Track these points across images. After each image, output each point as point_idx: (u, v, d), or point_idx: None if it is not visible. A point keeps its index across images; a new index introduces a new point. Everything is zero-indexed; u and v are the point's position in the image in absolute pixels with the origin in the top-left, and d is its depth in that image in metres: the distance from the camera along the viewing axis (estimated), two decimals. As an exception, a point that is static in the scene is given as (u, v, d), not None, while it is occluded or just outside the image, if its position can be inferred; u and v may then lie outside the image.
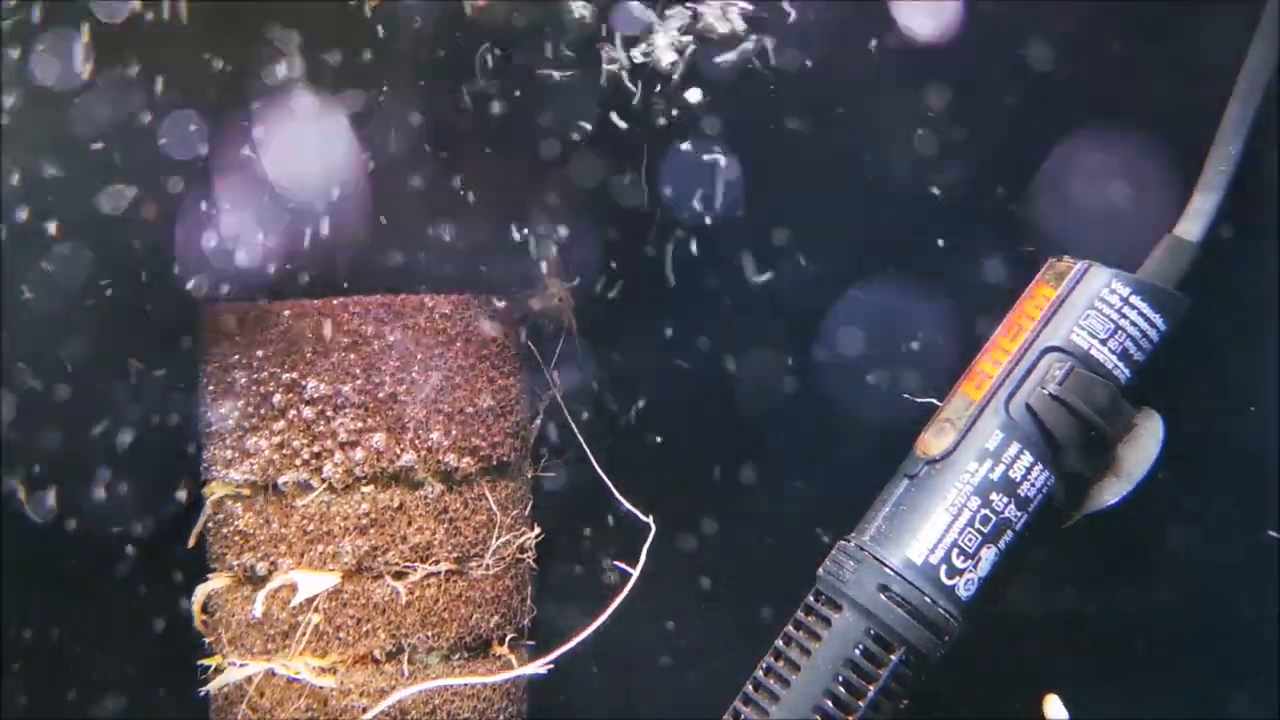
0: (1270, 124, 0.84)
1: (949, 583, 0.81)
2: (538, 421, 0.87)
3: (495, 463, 0.80)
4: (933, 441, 0.84)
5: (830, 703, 0.79)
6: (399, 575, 0.76)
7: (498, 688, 0.77)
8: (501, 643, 0.79)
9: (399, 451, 0.76)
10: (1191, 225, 0.84)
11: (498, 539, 0.78)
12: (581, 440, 0.87)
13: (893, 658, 0.80)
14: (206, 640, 0.79)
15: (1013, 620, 0.90)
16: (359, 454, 0.75)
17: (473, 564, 0.78)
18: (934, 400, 0.86)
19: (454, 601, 0.77)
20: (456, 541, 0.77)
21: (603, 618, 0.79)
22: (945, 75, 0.88)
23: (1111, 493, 0.84)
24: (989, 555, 0.82)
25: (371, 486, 0.76)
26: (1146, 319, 0.83)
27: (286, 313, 0.76)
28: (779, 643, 0.83)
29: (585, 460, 0.87)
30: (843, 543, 0.84)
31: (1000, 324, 0.85)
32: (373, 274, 0.81)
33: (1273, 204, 0.88)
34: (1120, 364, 0.82)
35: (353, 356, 0.76)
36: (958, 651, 0.84)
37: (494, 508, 0.78)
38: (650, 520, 0.85)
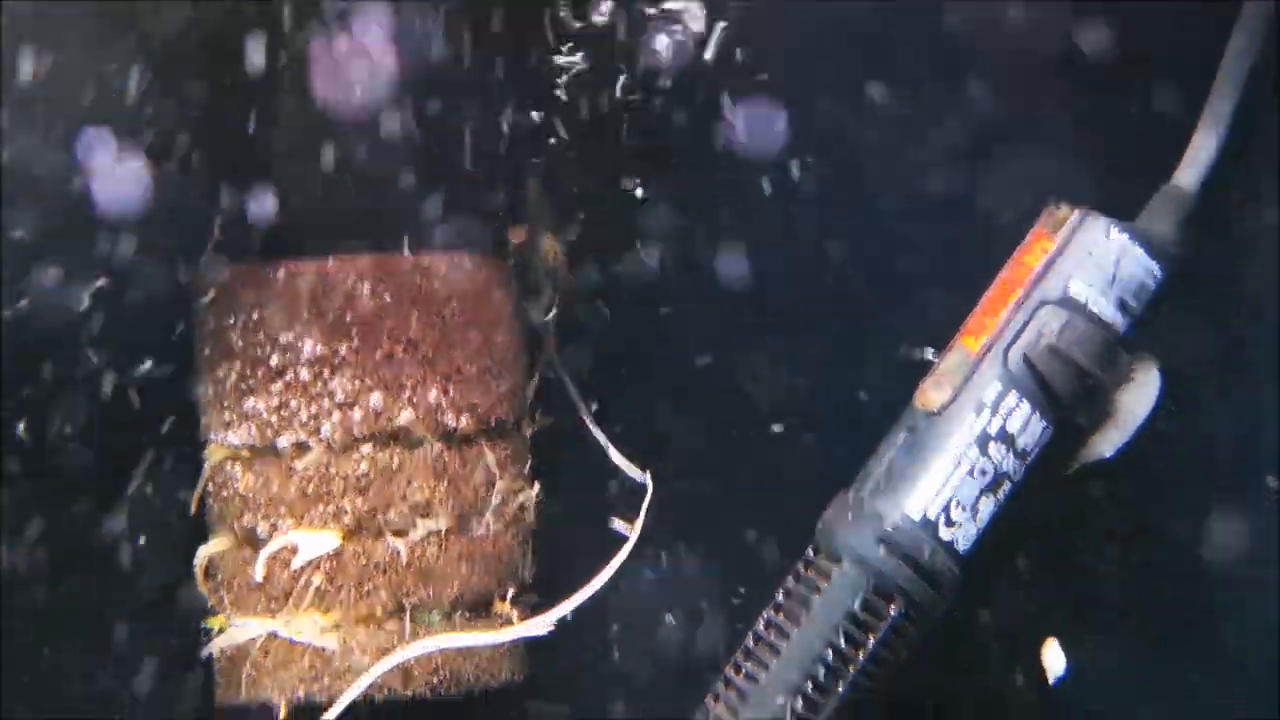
0: (1271, 68, 0.83)
1: (948, 535, 0.81)
2: (535, 379, 0.87)
3: (493, 421, 0.80)
4: (931, 394, 0.84)
5: (831, 654, 0.80)
6: (399, 534, 0.76)
7: (498, 645, 0.78)
8: (503, 600, 0.80)
9: (397, 411, 0.76)
10: (1189, 174, 0.84)
11: (497, 497, 0.79)
12: (577, 398, 0.87)
13: (892, 610, 0.80)
14: (209, 602, 0.80)
15: (1013, 571, 0.91)
16: (357, 414, 0.75)
17: (473, 522, 0.78)
18: (933, 352, 0.86)
19: (455, 560, 0.77)
20: (456, 500, 0.77)
21: (603, 577, 0.79)
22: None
23: (1109, 443, 0.84)
24: (987, 507, 0.82)
25: (370, 446, 0.76)
26: (1144, 268, 0.83)
27: (281, 273, 0.76)
28: (778, 596, 0.83)
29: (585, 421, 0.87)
30: (841, 495, 0.84)
31: (998, 274, 0.85)
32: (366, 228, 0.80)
33: (1273, 152, 0.87)
34: (1118, 314, 0.82)
35: (349, 317, 0.75)
36: (958, 603, 0.85)
37: (493, 466, 0.78)
38: (648, 478, 0.86)
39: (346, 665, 0.74)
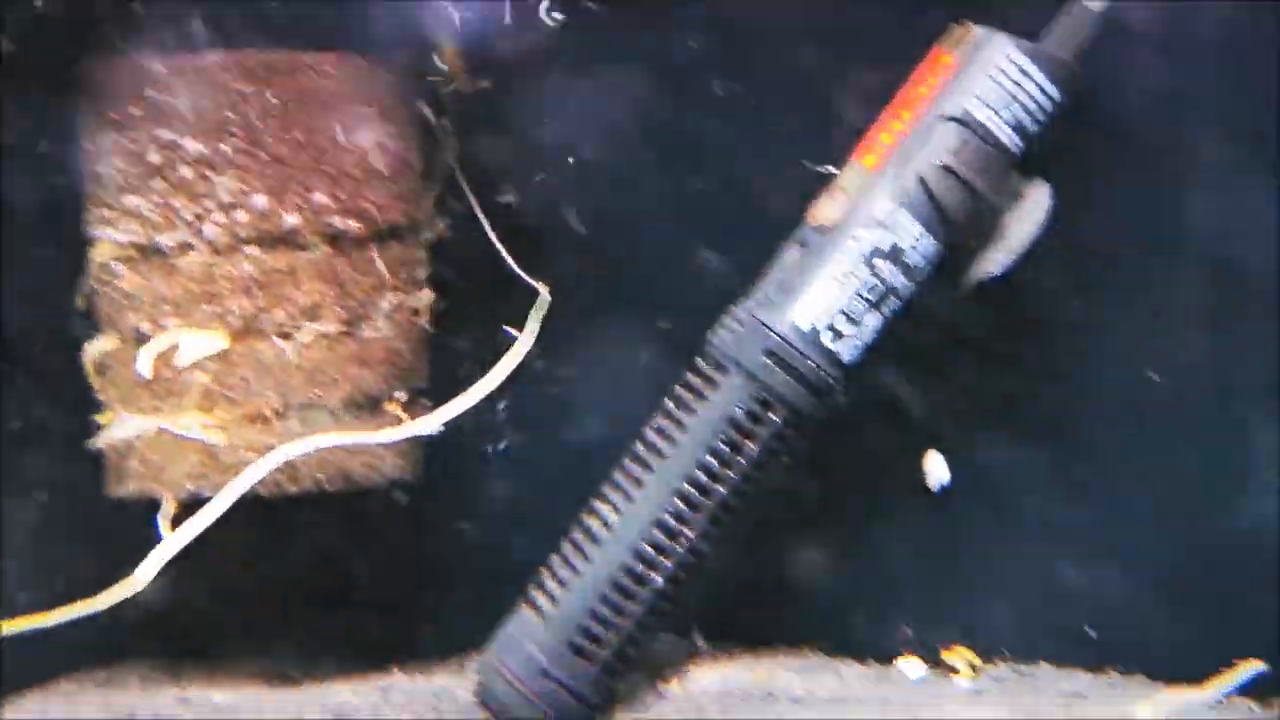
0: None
1: (832, 347, 0.83)
2: (435, 187, 0.86)
3: (384, 226, 0.79)
4: (824, 209, 0.85)
5: (713, 459, 0.83)
6: (287, 336, 0.77)
7: (388, 445, 0.79)
8: (394, 402, 0.81)
9: (283, 213, 0.75)
10: (1096, -7, 0.83)
11: (388, 302, 0.79)
12: (476, 205, 0.87)
13: (775, 418, 0.83)
14: (100, 397, 0.80)
15: (901, 383, 0.94)
16: (241, 215, 0.74)
17: (363, 326, 0.79)
18: (832, 169, 0.86)
19: (344, 362, 0.78)
20: (345, 304, 0.78)
21: (491, 380, 0.81)
22: None
23: (996, 262, 0.86)
24: (874, 322, 0.84)
25: (256, 248, 0.76)
26: (1042, 90, 0.83)
27: (161, 68, 0.74)
28: (667, 403, 0.85)
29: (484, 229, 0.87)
30: (732, 308, 0.86)
31: (898, 92, 0.85)
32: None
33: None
34: (1013, 135, 0.83)
35: (232, 115, 0.74)
36: (846, 412, 0.88)
37: (383, 270, 0.78)
38: (543, 289, 0.86)
39: (233, 462, 0.75)
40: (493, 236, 0.87)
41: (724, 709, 0.80)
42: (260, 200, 0.75)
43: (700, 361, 0.85)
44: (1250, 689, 0.89)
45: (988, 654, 0.94)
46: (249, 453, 0.75)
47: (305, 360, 0.77)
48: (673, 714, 0.80)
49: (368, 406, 0.80)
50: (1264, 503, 0.90)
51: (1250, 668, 0.84)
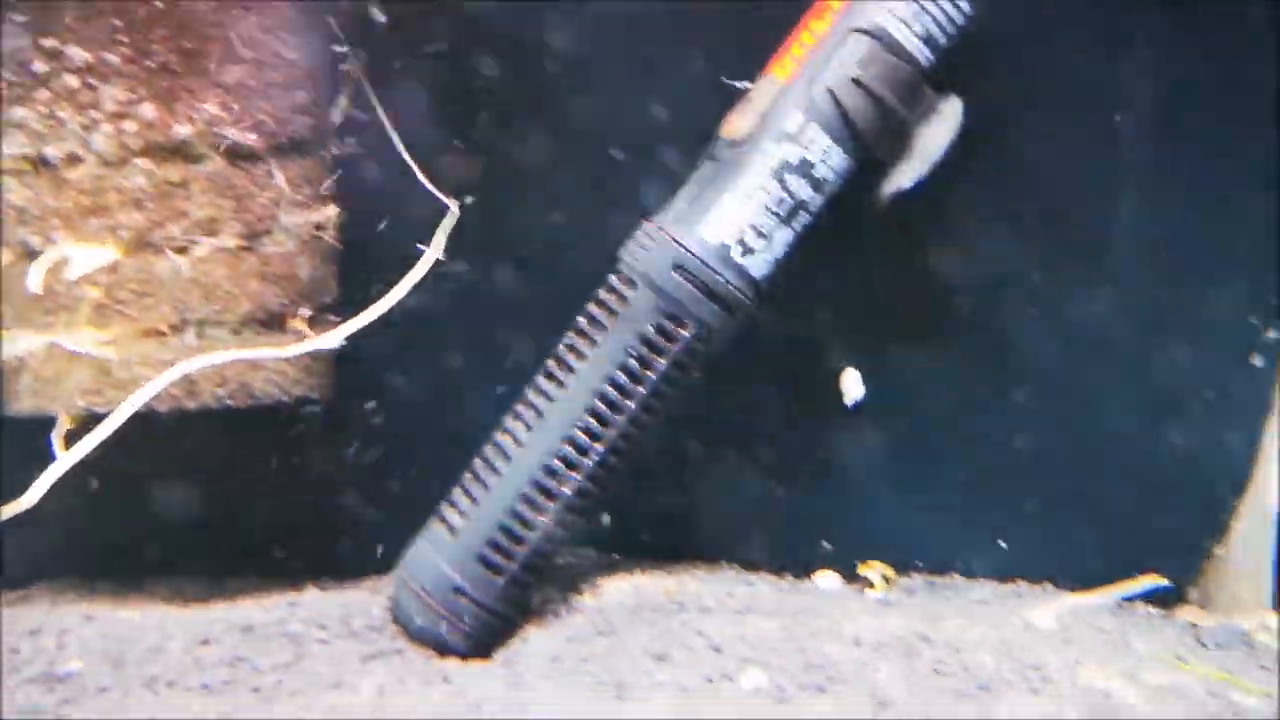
0: None
1: (742, 261, 0.83)
2: (342, 100, 0.85)
3: (284, 139, 0.78)
4: (735, 122, 0.84)
5: (622, 374, 0.83)
6: (182, 250, 0.76)
7: (294, 361, 0.79)
8: (298, 319, 0.80)
9: (173, 124, 0.74)
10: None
11: (288, 216, 0.78)
12: (384, 119, 0.85)
13: (684, 333, 0.83)
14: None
15: (814, 297, 0.94)
16: (129, 125, 0.73)
17: (263, 240, 0.78)
18: (748, 84, 0.85)
19: (243, 277, 0.77)
20: (244, 218, 0.76)
21: (396, 293, 0.80)
22: None
23: (908, 175, 0.86)
24: (784, 236, 0.84)
25: (147, 160, 0.74)
26: (953, 2, 0.82)
27: (44, -27, 0.72)
28: (579, 319, 0.85)
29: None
30: (644, 223, 0.85)
31: (812, 3, 0.84)
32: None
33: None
34: (924, 48, 0.82)
35: (118, 23, 0.72)
36: (759, 326, 0.88)
37: (283, 184, 0.77)
38: (453, 204, 0.85)
39: (128, 378, 0.74)
40: (403, 151, 0.85)
41: (633, 619, 0.81)
42: (149, 110, 0.73)
43: (611, 278, 0.85)
44: (1153, 598, 0.92)
45: (903, 568, 0.96)
46: (144, 369, 0.74)
47: (202, 275, 0.76)
48: (583, 625, 0.81)
49: (271, 323, 0.79)
50: (1175, 422, 0.92)
51: (1149, 581, 0.86)
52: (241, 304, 0.77)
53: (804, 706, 0.63)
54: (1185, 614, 0.90)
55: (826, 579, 0.95)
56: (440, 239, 0.84)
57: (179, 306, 0.75)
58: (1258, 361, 0.90)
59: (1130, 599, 0.86)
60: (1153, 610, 0.89)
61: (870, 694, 0.64)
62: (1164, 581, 0.88)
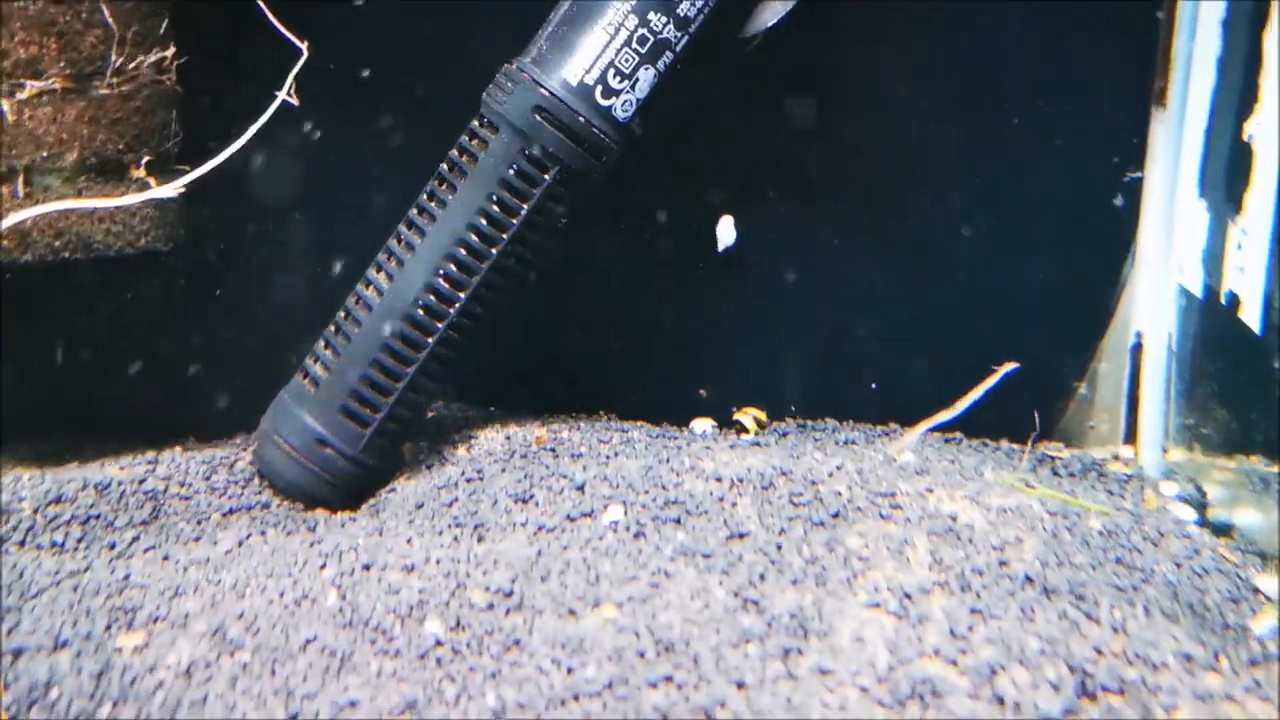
0: None
1: (605, 103, 0.81)
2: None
3: (110, -28, 0.73)
4: (595, -42, 0.81)
5: (484, 221, 0.81)
6: (4, 94, 0.71)
7: (137, 211, 0.75)
8: (138, 166, 0.76)
9: (-16, -45, 0.69)
10: None
11: (120, 57, 0.73)
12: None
13: (546, 177, 0.81)
14: None
15: (685, 141, 0.92)
16: (-65, -43, 0.68)
17: (94, 83, 0.74)
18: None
19: (73, 122, 0.73)
20: (70, 58, 0.72)
21: (245, 137, 0.77)
22: None
23: (772, 12, 0.84)
24: (647, 76, 0.82)
25: (-43, -4, 0.69)
26: None
27: None
28: (441, 167, 0.83)
29: None
30: (506, 65, 0.82)
31: None
32: None
33: None
34: (787, -124, 0.80)
35: None
36: (627, 171, 0.87)
37: (111, 22, 0.73)
38: (303, 46, 0.81)
39: (-50, 229, 0.71)
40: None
41: (504, 466, 0.81)
42: (-45, -60, 0.68)
43: (474, 123, 0.83)
44: (1015, 434, 0.94)
45: (779, 413, 0.97)
46: (-33, 219, 0.71)
47: (28, 119, 0.71)
48: (452, 474, 0.81)
49: (108, 170, 0.75)
50: (1038, 263, 0.93)
51: (1004, 370, 0.87)
52: (73, 150, 0.73)
53: (658, 538, 0.64)
54: (1045, 448, 0.92)
55: (701, 424, 0.96)
56: (290, 82, 0.80)
57: (4, 154, 0.71)
58: (1118, 202, 0.92)
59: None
60: (1014, 446, 0.92)
61: (725, 524, 0.65)
62: (1014, 365, 0.89)
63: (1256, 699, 0.55)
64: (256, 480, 0.81)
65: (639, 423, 0.95)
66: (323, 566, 0.65)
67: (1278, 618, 0.63)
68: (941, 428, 0.87)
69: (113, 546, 0.70)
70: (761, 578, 0.61)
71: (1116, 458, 0.91)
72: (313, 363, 0.82)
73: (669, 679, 0.55)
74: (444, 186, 0.82)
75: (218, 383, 0.90)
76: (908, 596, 0.59)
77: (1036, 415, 0.93)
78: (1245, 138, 0.78)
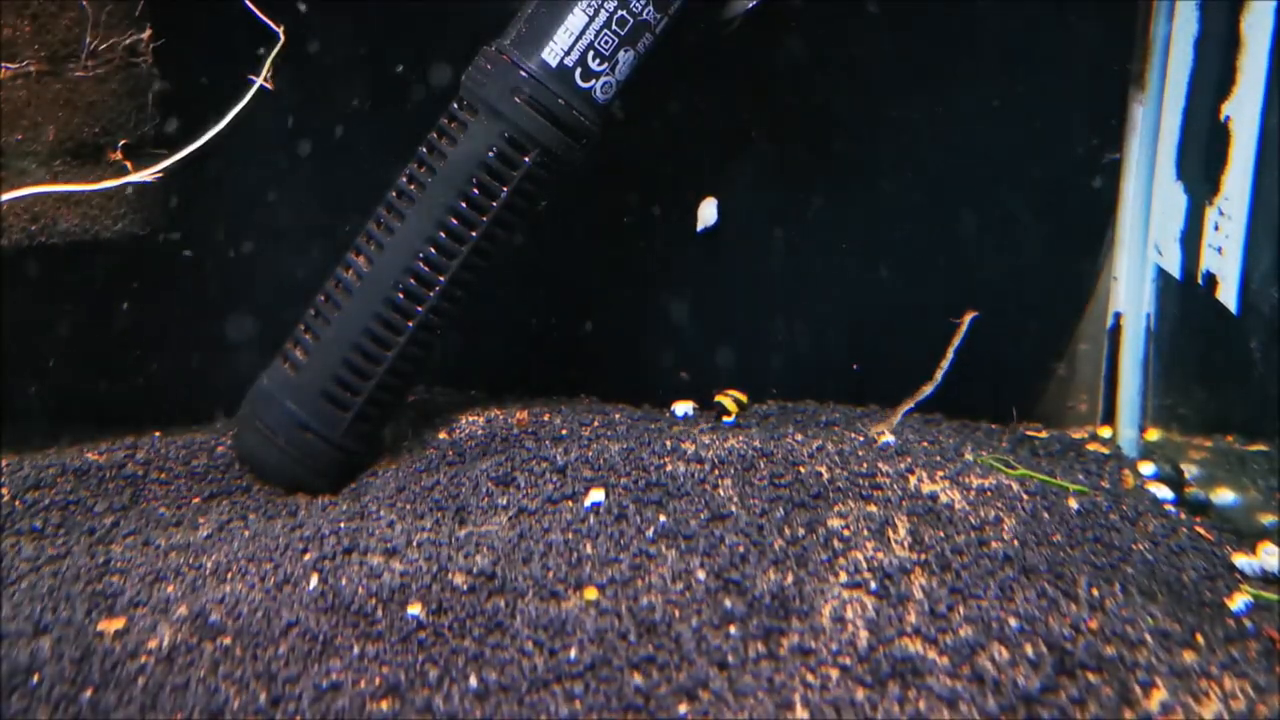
0: None
1: (584, 85, 0.81)
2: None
3: (86, -45, 0.73)
4: (574, -61, 0.81)
5: (464, 204, 0.81)
6: (-23, 76, 0.71)
7: (112, 195, 0.75)
8: (115, 151, 0.76)
9: (-44, -63, 0.68)
10: None
11: (94, 40, 0.73)
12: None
13: (526, 160, 0.81)
14: None
15: (669, 126, 0.92)
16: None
17: (68, 65, 0.73)
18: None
19: (48, 104, 0.72)
20: (44, 40, 0.71)
21: (221, 124, 0.76)
22: None
23: (749, -6, 0.84)
24: (626, 58, 0.82)
25: (-71, -22, 0.68)
26: None
27: None
28: (421, 149, 0.83)
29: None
30: (485, 48, 0.82)
31: None
32: None
33: None
34: None
35: None
36: (609, 154, 0.87)
37: (86, 5, 0.72)
38: (279, 30, 0.81)
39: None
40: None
41: (485, 450, 0.81)
42: (-73, -79, 0.67)
43: (453, 105, 0.82)
44: (996, 416, 0.95)
45: (760, 395, 0.97)
46: (-56, 202, 0.70)
47: (4, 102, 0.71)
48: (433, 458, 0.81)
49: (84, 154, 0.75)
50: (1018, 245, 0.93)
51: (968, 318, 0.88)
52: (49, 133, 0.72)
53: (640, 520, 0.64)
54: (1024, 428, 0.93)
55: (682, 407, 0.96)
56: (267, 68, 0.80)
57: (-23, 136, 0.71)
58: (1097, 184, 0.92)
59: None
60: (994, 426, 0.92)
61: (707, 506, 0.66)
62: (975, 313, 0.89)
63: (1232, 675, 0.55)
64: (237, 464, 0.80)
65: (620, 405, 0.95)
66: (304, 550, 0.65)
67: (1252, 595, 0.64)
68: (922, 405, 0.88)
69: (92, 532, 0.70)
70: (743, 559, 0.61)
71: (1095, 438, 0.91)
72: (292, 347, 0.82)
73: (651, 660, 0.55)
74: (422, 169, 0.82)
75: (201, 368, 0.90)
76: (888, 576, 0.60)
77: (1014, 410, 0.93)
78: (1222, 119, 0.78)
